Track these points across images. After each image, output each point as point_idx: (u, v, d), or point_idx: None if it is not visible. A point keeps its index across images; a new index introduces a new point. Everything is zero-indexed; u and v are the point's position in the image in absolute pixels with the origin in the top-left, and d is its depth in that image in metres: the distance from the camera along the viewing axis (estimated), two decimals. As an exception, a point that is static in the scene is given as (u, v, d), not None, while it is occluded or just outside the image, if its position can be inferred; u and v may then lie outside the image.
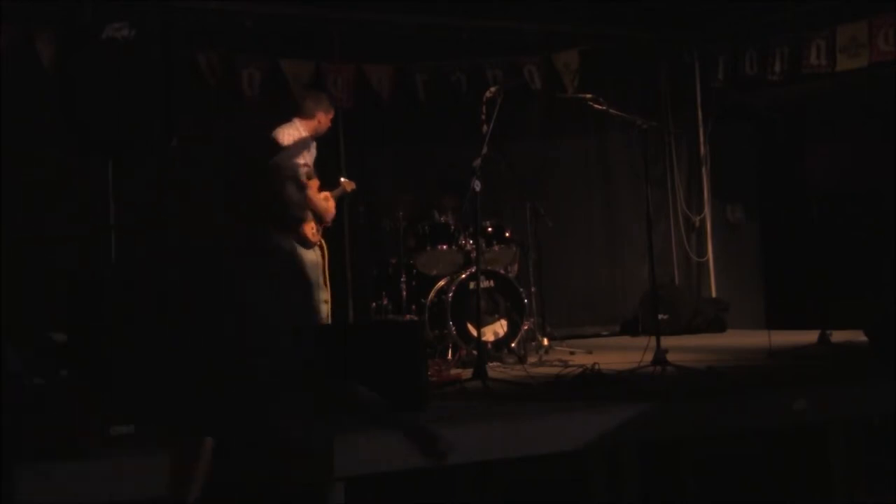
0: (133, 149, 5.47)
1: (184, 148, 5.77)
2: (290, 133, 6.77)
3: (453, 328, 6.97)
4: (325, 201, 6.92)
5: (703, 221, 9.97)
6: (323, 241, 6.88)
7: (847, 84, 8.46)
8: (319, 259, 6.79)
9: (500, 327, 7.17)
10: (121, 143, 5.27)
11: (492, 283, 7.16)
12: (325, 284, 6.85)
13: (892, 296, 6.97)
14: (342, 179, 7.19)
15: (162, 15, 5.29)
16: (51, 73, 7.11)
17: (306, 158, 6.82)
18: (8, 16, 6.87)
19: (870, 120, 8.35)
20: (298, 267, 3.02)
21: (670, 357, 5.90)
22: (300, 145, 6.76)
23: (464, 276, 7.10)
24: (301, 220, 3.10)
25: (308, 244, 6.72)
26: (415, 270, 7.51)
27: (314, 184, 6.89)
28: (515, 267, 7.70)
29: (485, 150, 6.07)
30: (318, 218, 6.84)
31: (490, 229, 7.39)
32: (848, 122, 8.62)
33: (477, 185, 6.04)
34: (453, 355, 6.94)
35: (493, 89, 6.35)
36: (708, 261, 9.92)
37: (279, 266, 2.94)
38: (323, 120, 6.91)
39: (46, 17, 7.11)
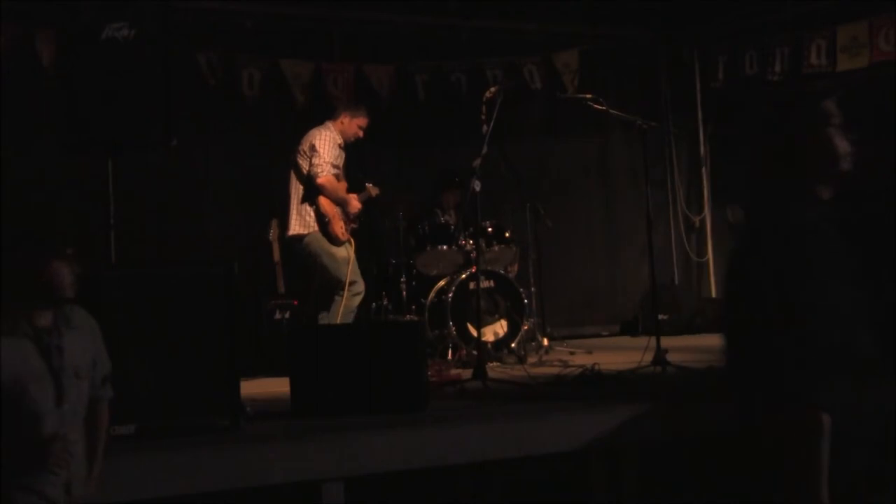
0: (133, 149, 5.47)
1: (184, 148, 5.78)
2: (327, 134, 6.92)
3: (453, 328, 6.97)
4: (355, 200, 7.04)
5: (703, 221, 9.97)
6: (351, 239, 6.96)
7: (847, 84, 8.45)
8: (349, 255, 6.89)
9: (500, 327, 7.17)
10: (121, 143, 5.28)
11: (492, 283, 7.16)
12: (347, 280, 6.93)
13: (892, 296, 6.96)
14: (368, 185, 7.26)
15: (162, 15, 5.29)
16: (51, 73, 7.12)
17: (338, 159, 6.94)
18: (8, 16, 6.87)
19: (870, 120, 8.33)
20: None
21: (670, 357, 5.90)
22: (334, 142, 6.90)
23: (464, 276, 7.11)
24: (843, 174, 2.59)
25: (338, 242, 6.84)
26: (415, 270, 7.51)
27: (342, 186, 6.97)
28: (515, 267, 7.70)
29: (485, 150, 6.07)
30: (347, 216, 6.94)
31: (490, 229, 7.39)
32: (848, 122, 8.61)
33: (477, 185, 6.04)
34: (453, 355, 6.94)
35: (493, 89, 6.34)
36: (708, 261, 9.92)
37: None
38: (346, 122, 7.03)
39: (46, 17, 7.12)
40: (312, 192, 6.82)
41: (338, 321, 6.72)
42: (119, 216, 5.38)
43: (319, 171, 6.77)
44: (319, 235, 6.84)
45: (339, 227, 6.84)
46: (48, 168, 7.20)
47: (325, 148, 6.82)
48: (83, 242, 6.50)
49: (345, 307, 6.81)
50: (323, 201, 6.82)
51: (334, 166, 6.87)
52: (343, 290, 6.82)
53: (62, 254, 3.14)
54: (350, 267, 6.86)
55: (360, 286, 6.96)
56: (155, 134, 5.28)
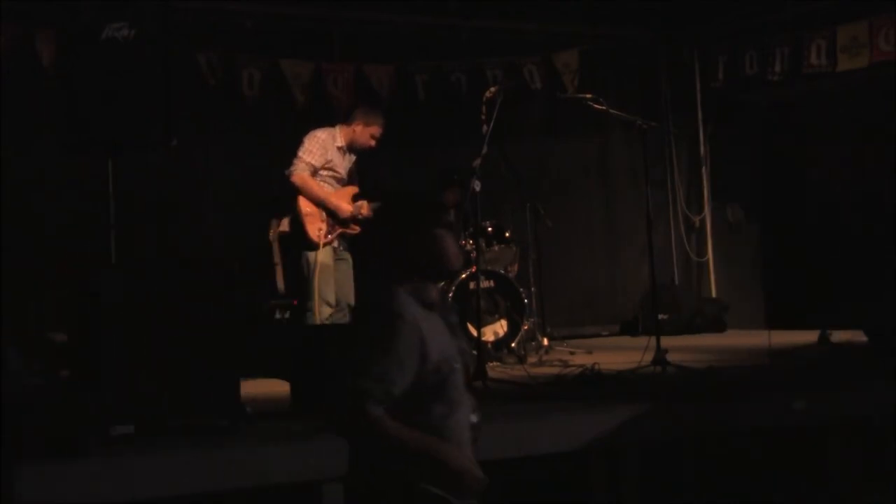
0: (133, 149, 5.48)
1: (184, 148, 5.78)
2: (318, 135, 6.81)
3: (453, 328, 6.96)
4: (348, 203, 6.87)
5: (703, 221, 9.97)
6: (336, 244, 6.86)
7: (847, 84, 8.46)
8: (327, 261, 6.74)
9: (500, 327, 7.17)
10: (121, 143, 5.28)
11: (492, 283, 7.16)
12: (317, 288, 6.73)
13: (892, 296, 6.97)
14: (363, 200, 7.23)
15: (162, 15, 5.29)
16: (51, 73, 7.12)
17: (333, 162, 6.84)
18: (8, 16, 6.87)
19: (870, 120, 8.35)
20: None
21: (670, 357, 5.89)
22: (323, 144, 6.78)
23: (464, 276, 7.10)
24: None
25: (313, 245, 6.71)
26: (415, 270, 7.49)
27: (349, 191, 6.91)
28: (515, 267, 7.69)
29: (485, 149, 6.07)
30: (335, 219, 6.82)
31: (490, 229, 7.39)
32: (848, 122, 8.62)
33: (477, 185, 6.04)
34: (453, 355, 6.93)
35: (493, 89, 6.34)
36: (708, 261, 9.92)
37: None
38: (359, 131, 6.92)
39: (46, 17, 7.12)
40: (294, 190, 6.76)
41: None
42: (119, 216, 5.38)
43: (293, 169, 6.68)
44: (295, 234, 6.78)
45: (314, 229, 6.69)
46: (48, 168, 7.20)
47: (308, 147, 6.72)
48: (83, 242, 6.54)
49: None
50: (301, 200, 6.73)
51: (321, 168, 6.74)
52: (310, 301, 6.62)
53: (446, 223, 2.88)
54: (318, 276, 6.65)
55: (330, 311, 6.70)
56: (155, 134, 5.29)
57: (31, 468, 3.55)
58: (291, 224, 6.75)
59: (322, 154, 6.76)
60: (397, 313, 2.69)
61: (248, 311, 7.18)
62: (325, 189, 6.81)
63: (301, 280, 6.82)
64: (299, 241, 6.74)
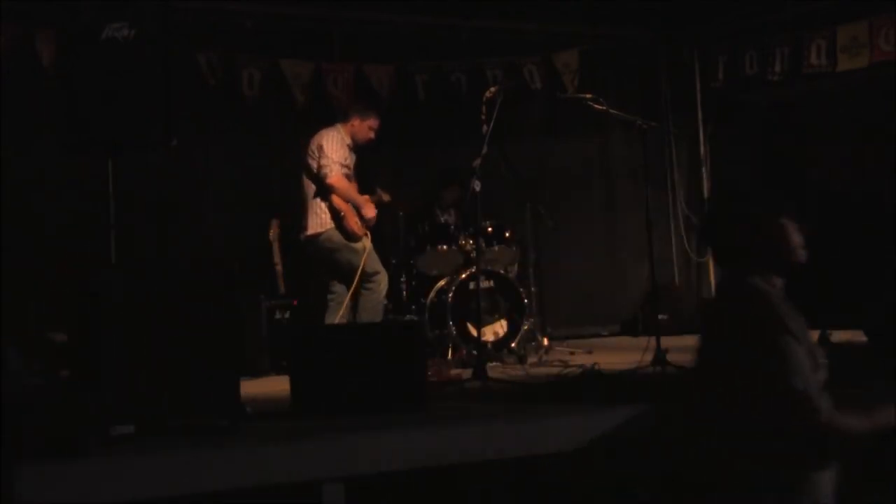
0: (133, 149, 5.47)
1: (184, 148, 5.78)
2: (333, 135, 6.95)
3: (453, 328, 6.97)
4: (367, 201, 7.11)
5: (703, 221, 9.97)
6: (368, 232, 7.02)
7: (847, 84, 8.46)
8: (367, 246, 6.95)
9: (500, 327, 7.17)
10: (121, 143, 5.28)
11: (492, 283, 7.17)
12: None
13: (892, 296, 6.96)
14: (379, 190, 7.33)
15: (162, 15, 5.29)
16: (51, 73, 7.12)
17: (347, 160, 6.99)
18: (8, 16, 6.87)
19: (870, 120, 8.34)
20: None
21: (670, 357, 5.89)
22: (341, 143, 6.95)
23: (464, 276, 7.11)
24: None
25: (355, 237, 6.90)
26: (415, 270, 7.52)
27: (354, 186, 7.01)
28: (515, 267, 7.70)
29: (485, 150, 6.07)
30: (361, 214, 7.00)
31: (490, 229, 7.39)
32: (848, 122, 8.62)
33: (477, 185, 6.04)
34: (453, 355, 6.94)
35: (493, 89, 6.35)
36: (708, 261, 9.92)
37: None
38: (357, 125, 7.06)
39: (46, 17, 7.12)
40: (324, 189, 6.86)
41: (366, 314, 6.85)
42: (119, 216, 5.38)
43: (328, 171, 6.82)
44: (336, 231, 6.88)
45: (354, 222, 6.89)
46: (48, 168, 7.20)
47: (331, 148, 6.85)
48: (83, 242, 6.54)
49: (372, 299, 6.91)
50: (335, 198, 6.86)
51: (343, 166, 6.90)
52: (367, 281, 6.90)
53: (788, 210, 2.78)
54: (366, 257, 6.88)
55: (384, 276, 7.02)
56: (155, 134, 5.29)
57: (31, 468, 3.55)
58: (334, 219, 6.88)
59: (343, 153, 6.94)
60: (769, 304, 2.66)
61: (248, 310, 7.20)
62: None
63: (343, 273, 6.97)
64: (337, 235, 6.90)
